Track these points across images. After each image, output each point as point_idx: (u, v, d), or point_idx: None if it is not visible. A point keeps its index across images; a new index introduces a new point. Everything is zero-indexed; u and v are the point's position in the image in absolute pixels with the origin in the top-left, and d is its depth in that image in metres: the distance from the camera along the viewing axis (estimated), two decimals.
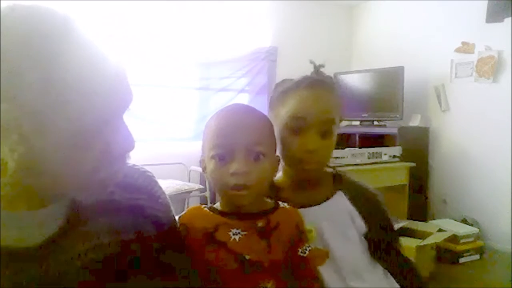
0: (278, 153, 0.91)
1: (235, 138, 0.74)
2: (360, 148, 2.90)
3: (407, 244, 2.28)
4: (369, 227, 0.94)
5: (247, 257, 0.74)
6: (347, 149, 2.72)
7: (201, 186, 3.10)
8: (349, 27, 4.44)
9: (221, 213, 0.80)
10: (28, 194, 0.60)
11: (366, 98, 3.71)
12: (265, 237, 0.76)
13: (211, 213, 0.80)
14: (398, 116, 3.48)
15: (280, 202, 0.84)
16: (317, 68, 0.95)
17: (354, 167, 2.60)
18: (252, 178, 0.74)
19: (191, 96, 3.63)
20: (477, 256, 2.86)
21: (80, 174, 0.59)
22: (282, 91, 0.93)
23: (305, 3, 4.06)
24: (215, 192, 0.82)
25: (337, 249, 0.89)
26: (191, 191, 3.01)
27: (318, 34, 4.14)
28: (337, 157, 2.54)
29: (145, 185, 0.77)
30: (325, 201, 0.93)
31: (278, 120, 0.91)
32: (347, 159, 2.64)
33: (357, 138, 3.58)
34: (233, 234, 0.76)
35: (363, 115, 3.67)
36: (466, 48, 3.34)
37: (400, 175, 2.94)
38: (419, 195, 3.47)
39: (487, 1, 3.17)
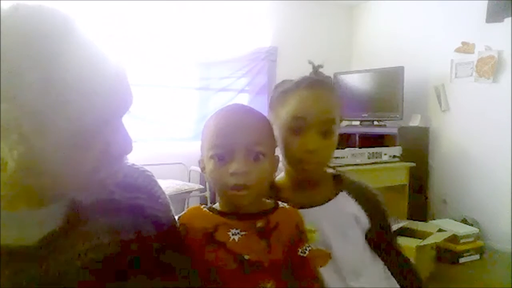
0: (279, 153, 0.91)
1: (235, 138, 0.74)
2: (360, 148, 2.90)
3: (407, 244, 2.28)
4: (369, 226, 0.94)
5: (247, 257, 0.74)
6: (347, 149, 2.72)
7: (201, 186, 3.10)
8: (349, 27, 4.44)
9: (221, 213, 0.80)
10: (28, 194, 0.60)
11: (366, 98, 3.71)
12: (264, 237, 0.76)
13: (211, 213, 0.81)
14: (398, 116, 3.48)
15: (280, 202, 0.84)
16: (316, 69, 0.96)
17: (354, 167, 2.60)
18: (252, 178, 0.74)
19: (191, 96, 3.63)
20: (477, 256, 2.86)
21: (80, 174, 0.59)
22: (282, 91, 0.93)
23: (305, 3, 4.06)
24: (214, 192, 0.82)
25: (337, 250, 0.89)
26: (191, 191, 3.02)
27: (318, 34, 4.14)
28: (337, 157, 2.54)
29: (145, 185, 0.77)
30: (326, 201, 0.93)
31: (279, 120, 0.91)
32: (347, 159, 2.64)
33: (357, 138, 3.59)
34: (233, 234, 0.76)
35: (363, 115, 3.67)
36: (466, 48, 3.34)
37: (400, 175, 2.94)
38: (419, 195, 3.47)
39: (487, 1, 3.17)
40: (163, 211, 0.79)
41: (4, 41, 0.50)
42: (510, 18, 3.05)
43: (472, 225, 3.10)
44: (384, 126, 3.58)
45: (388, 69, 3.62)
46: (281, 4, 3.96)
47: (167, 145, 3.43)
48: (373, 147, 2.87)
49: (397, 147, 2.97)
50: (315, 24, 4.16)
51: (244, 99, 3.83)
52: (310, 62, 0.97)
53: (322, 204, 0.93)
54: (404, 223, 2.72)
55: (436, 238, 2.55)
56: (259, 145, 0.75)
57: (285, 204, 0.84)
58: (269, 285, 0.75)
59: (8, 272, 0.59)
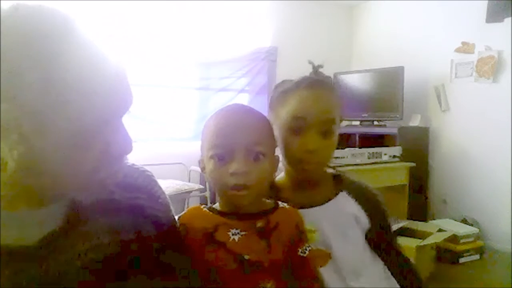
0: (279, 153, 0.91)
1: (235, 138, 0.74)
2: (360, 148, 2.90)
3: (407, 244, 2.28)
4: (369, 226, 0.94)
5: (246, 257, 0.74)
6: (347, 149, 2.72)
7: (201, 186, 3.10)
8: (349, 27, 4.44)
9: (221, 213, 0.80)
10: (28, 194, 0.60)
11: (366, 98, 3.71)
12: (264, 237, 0.76)
13: (211, 213, 0.81)
14: (398, 116, 3.48)
15: (280, 202, 0.84)
16: (316, 69, 0.95)
17: (354, 167, 2.60)
18: (252, 178, 0.74)
19: (191, 96, 3.63)
20: (477, 256, 2.86)
21: (80, 174, 0.59)
22: (282, 91, 0.93)
23: (305, 3, 4.06)
24: (214, 192, 0.82)
25: (337, 250, 0.89)
26: (191, 191, 3.02)
27: (318, 34, 4.14)
28: (337, 157, 2.54)
29: (144, 185, 0.77)
30: (326, 201, 0.93)
31: (279, 120, 0.91)
32: (347, 159, 2.64)
33: (357, 138, 3.59)
34: (233, 234, 0.76)
35: (363, 115, 3.67)
36: (466, 48, 3.34)
37: (400, 175, 2.94)
38: (419, 195, 3.47)
39: (487, 1, 3.17)
40: (163, 211, 0.79)
41: (4, 41, 0.50)
42: (510, 18, 3.05)
43: (472, 225, 3.10)
44: (384, 126, 3.58)
45: (388, 69, 3.62)
46: (281, 4, 3.96)
47: (167, 145, 3.44)
48: (373, 147, 2.87)
49: (397, 147, 2.97)
50: (315, 24, 4.16)
51: (244, 99, 3.83)
52: (310, 62, 0.97)
53: (322, 204, 0.93)
54: (404, 223, 2.72)
55: (436, 238, 2.55)
56: (259, 145, 0.75)
57: (285, 204, 0.84)
58: (269, 285, 0.75)
59: (8, 272, 0.59)
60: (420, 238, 2.49)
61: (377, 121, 3.66)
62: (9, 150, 0.52)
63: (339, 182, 0.99)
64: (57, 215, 0.64)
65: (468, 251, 2.82)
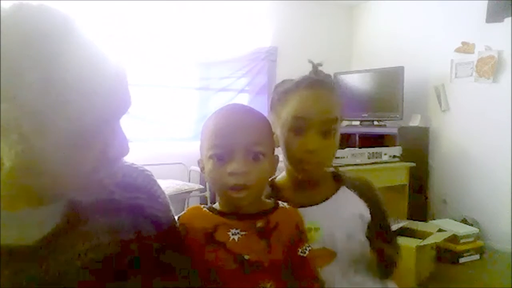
0: (279, 153, 0.91)
1: (234, 138, 0.74)
2: (360, 148, 2.90)
3: (407, 244, 2.28)
4: (369, 225, 0.94)
5: (246, 257, 0.74)
6: (347, 149, 2.72)
7: (201, 186, 3.10)
8: (349, 27, 4.44)
9: (220, 213, 0.80)
10: (27, 194, 0.60)
11: (366, 98, 3.71)
12: (264, 237, 0.76)
13: (210, 213, 0.80)
14: (398, 116, 3.48)
15: (280, 202, 0.84)
16: (315, 68, 0.95)
17: (354, 167, 2.60)
18: (251, 178, 0.74)
19: (191, 96, 3.63)
20: (477, 256, 2.86)
21: (79, 174, 0.59)
22: (282, 91, 0.93)
23: (305, 3, 4.06)
24: (214, 192, 0.82)
25: (339, 245, 0.89)
26: (191, 191, 3.02)
27: (318, 34, 4.14)
28: (337, 157, 2.54)
29: (144, 185, 0.77)
30: (324, 200, 0.93)
31: (280, 120, 0.91)
32: (347, 159, 2.64)
33: (357, 138, 3.58)
34: (232, 234, 0.76)
35: (363, 115, 3.67)
36: (466, 48, 3.34)
37: (400, 175, 2.94)
38: (419, 195, 3.47)
39: (487, 1, 3.17)
40: (163, 210, 0.79)
41: (5, 40, 0.50)
42: (510, 18, 3.04)
43: (472, 225, 3.10)
44: (384, 126, 3.58)
45: (388, 69, 3.62)
46: (281, 4, 3.96)
47: (167, 145, 3.43)
48: (373, 147, 2.87)
49: (397, 147, 2.97)
50: (315, 24, 4.16)
51: (244, 99, 3.83)
52: (310, 61, 0.97)
53: (322, 202, 0.93)
54: (404, 223, 2.72)
55: (436, 238, 2.55)
56: (258, 145, 0.75)
57: (285, 204, 0.84)
58: (268, 285, 0.75)
59: (8, 272, 0.59)
60: (420, 238, 2.49)
61: (377, 121, 3.66)
62: (9, 150, 0.52)
63: (339, 180, 0.99)
64: (57, 215, 0.64)
65: (468, 251, 2.82)
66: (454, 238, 2.79)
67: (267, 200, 0.84)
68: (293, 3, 4.00)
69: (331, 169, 1.01)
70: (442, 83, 3.53)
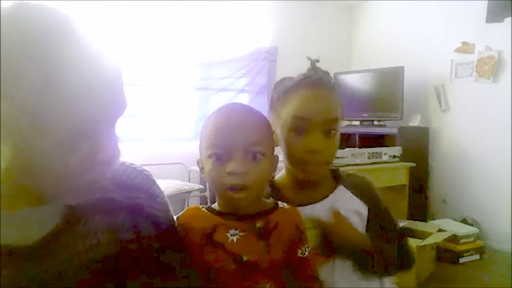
0: (279, 153, 0.91)
1: (233, 138, 0.74)
2: (360, 148, 2.90)
3: None
4: (369, 225, 0.94)
5: (245, 258, 0.74)
6: (347, 149, 2.72)
7: (201, 186, 3.10)
8: (349, 27, 4.44)
9: (219, 213, 0.79)
10: (27, 194, 0.60)
11: (366, 98, 3.71)
12: (263, 238, 0.76)
13: (209, 213, 0.80)
14: (398, 116, 3.48)
15: (279, 202, 0.84)
16: (313, 64, 0.95)
17: (354, 167, 2.60)
18: (250, 178, 0.73)
19: (191, 96, 3.63)
20: (477, 256, 2.86)
21: (69, 174, 0.58)
22: (282, 91, 0.92)
23: (305, 3, 4.06)
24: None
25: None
26: (191, 191, 3.01)
27: (318, 34, 4.14)
28: (337, 157, 2.54)
29: (143, 185, 0.77)
30: (323, 199, 0.93)
31: (280, 120, 0.90)
32: (347, 159, 2.64)
33: (357, 138, 3.59)
34: (231, 235, 0.75)
35: (363, 115, 3.67)
36: (466, 48, 3.34)
37: (400, 175, 2.94)
38: (419, 195, 3.47)
39: (487, 1, 3.16)
40: (162, 210, 0.79)
41: (4, 40, 0.50)
42: (510, 18, 3.04)
43: (472, 225, 3.10)
44: (384, 126, 3.58)
45: (388, 69, 3.62)
46: (281, 4, 3.96)
47: (167, 145, 3.43)
48: (373, 147, 2.87)
49: (397, 147, 2.97)
50: (315, 24, 4.16)
51: (244, 99, 3.83)
52: (308, 58, 0.96)
53: (320, 201, 0.93)
54: (404, 223, 2.72)
55: (436, 238, 2.55)
56: (258, 145, 0.75)
57: (285, 204, 0.83)
58: (268, 285, 0.75)
59: (8, 272, 0.59)
60: (420, 238, 2.49)
61: (377, 121, 3.66)
62: (9, 150, 0.52)
63: (338, 179, 0.99)
64: (57, 215, 0.64)
65: (468, 251, 2.82)
66: (454, 238, 2.79)
67: (267, 200, 0.84)
68: (293, 3, 4.00)
69: (331, 168, 1.01)
70: (442, 83, 3.53)
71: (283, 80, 0.95)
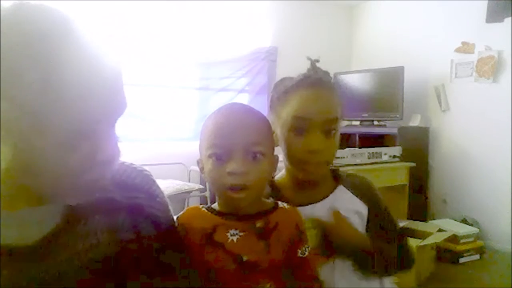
0: (281, 153, 0.91)
1: (233, 138, 0.73)
2: (360, 148, 2.90)
3: None
4: (368, 225, 0.94)
5: (245, 258, 0.74)
6: (347, 149, 2.72)
7: (201, 186, 3.10)
8: (349, 27, 4.44)
9: (219, 213, 0.79)
10: (27, 194, 0.60)
11: (366, 98, 3.71)
12: (263, 238, 0.76)
13: (209, 213, 0.80)
14: (398, 116, 3.48)
15: (279, 202, 0.84)
16: (313, 64, 0.95)
17: (354, 167, 2.60)
18: (250, 178, 0.73)
19: (191, 96, 3.63)
20: (477, 256, 2.86)
21: (68, 174, 0.58)
22: (282, 91, 0.92)
23: (305, 3, 4.06)
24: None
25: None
26: (191, 191, 3.02)
27: (318, 34, 4.14)
28: (337, 157, 2.54)
29: (143, 185, 0.77)
30: (323, 199, 0.93)
31: (280, 120, 0.90)
32: (347, 159, 2.64)
33: (357, 138, 3.59)
34: (231, 235, 0.75)
35: (363, 115, 3.67)
36: (466, 48, 3.34)
37: (400, 175, 2.94)
38: (419, 195, 3.47)
39: (487, 1, 3.17)
40: (162, 210, 0.79)
41: (5, 40, 0.50)
42: (510, 18, 3.05)
43: (472, 225, 3.10)
44: (384, 126, 3.58)
45: (388, 69, 3.62)
46: (281, 4, 3.96)
47: (167, 145, 3.43)
48: (373, 147, 2.87)
49: (397, 147, 2.97)
50: (315, 24, 4.16)
51: (244, 99, 3.83)
52: (308, 58, 0.96)
53: (320, 201, 0.93)
54: (404, 223, 2.72)
55: (436, 238, 2.55)
56: (257, 145, 0.75)
57: (285, 204, 0.83)
58: (268, 285, 0.75)
59: (8, 272, 0.59)
60: (420, 238, 2.49)
61: (377, 121, 3.66)
62: (9, 150, 0.52)
63: (338, 179, 0.99)
64: (57, 214, 0.64)
65: (468, 251, 2.82)
66: (454, 238, 2.79)
67: (267, 200, 0.84)
68: (293, 3, 4.00)
69: (331, 168, 1.01)
70: (442, 83, 3.53)
71: (283, 80, 0.95)
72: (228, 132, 0.74)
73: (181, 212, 0.84)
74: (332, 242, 0.88)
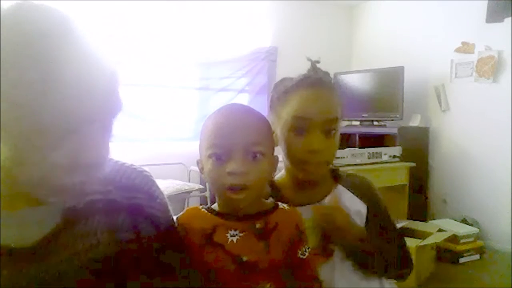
0: (281, 153, 0.91)
1: (233, 138, 0.74)
2: (360, 148, 2.90)
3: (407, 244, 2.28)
4: (368, 225, 0.95)
5: (244, 258, 0.74)
6: (347, 149, 2.72)
7: (201, 186, 3.10)
8: (349, 27, 4.44)
9: (219, 214, 0.79)
10: (27, 194, 0.60)
11: (366, 98, 3.71)
12: (263, 238, 0.76)
13: (209, 214, 0.80)
14: (398, 116, 3.48)
15: (279, 203, 0.84)
16: (314, 65, 0.95)
17: (354, 167, 2.60)
18: (250, 178, 0.73)
19: (191, 96, 3.63)
20: (477, 256, 2.86)
21: (56, 173, 0.57)
22: (282, 91, 0.92)
23: (305, 3, 4.06)
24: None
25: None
26: (191, 191, 3.02)
27: (318, 34, 4.14)
28: (337, 157, 2.54)
29: (142, 185, 0.77)
30: (322, 198, 0.93)
31: (280, 120, 0.90)
32: (347, 159, 2.64)
33: (357, 138, 3.59)
34: (231, 236, 0.75)
35: (363, 115, 3.67)
36: (466, 48, 3.34)
37: (400, 175, 2.94)
38: (419, 195, 3.47)
39: (487, 1, 3.17)
40: (162, 210, 0.79)
41: (5, 39, 0.50)
42: (510, 18, 3.04)
43: (472, 225, 3.10)
44: (384, 126, 3.58)
45: (388, 69, 3.62)
46: (281, 4, 3.96)
47: (167, 145, 3.43)
48: (373, 147, 2.87)
49: (397, 147, 2.97)
50: (315, 24, 4.16)
51: (244, 99, 3.83)
52: (308, 59, 0.96)
53: (320, 201, 0.93)
54: (404, 223, 2.72)
55: (436, 238, 2.55)
56: (257, 145, 0.75)
57: (285, 205, 0.83)
58: (268, 285, 0.75)
59: (8, 272, 0.59)
60: (420, 238, 2.49)
61: (377, 121, 3.66)
62: (9, 150, 0.52)
63: (338, 179, 0.99)
64: (57, 215, 0.64)
65: (468, 251, 2.82)
66: (454, 238, 2.79)
67: (267, 201, 0.84)
68: (293, 3, 4.00)
69: (331, 168, 1.01)
70: (442, 83, 3.53)
71: (283, 80, 0.95)
72: (228, 132, 0.74)
73: (181, 213, 0.84)
74: (331, 237, 0.88)
